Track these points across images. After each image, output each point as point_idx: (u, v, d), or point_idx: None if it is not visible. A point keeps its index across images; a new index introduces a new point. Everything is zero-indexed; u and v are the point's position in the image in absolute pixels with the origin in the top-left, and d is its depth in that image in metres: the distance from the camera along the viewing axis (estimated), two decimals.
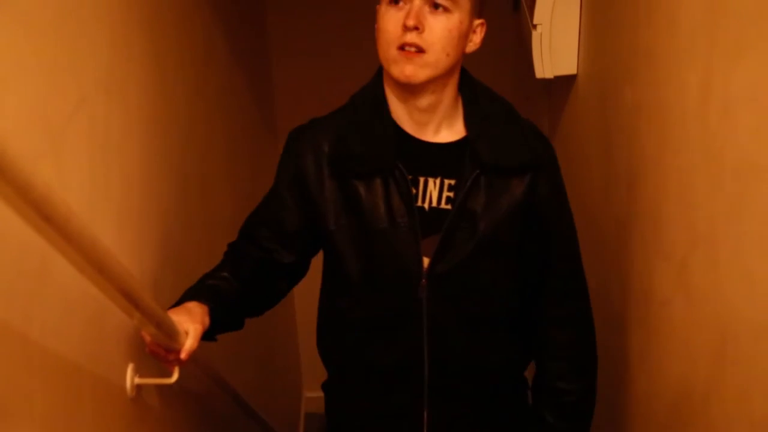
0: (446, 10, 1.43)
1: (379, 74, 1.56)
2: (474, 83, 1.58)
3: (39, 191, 0.80)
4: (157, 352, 1.39)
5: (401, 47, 1.43)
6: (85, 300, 1.21)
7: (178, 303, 1.49)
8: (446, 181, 1.53)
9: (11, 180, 0.76)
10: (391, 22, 1.44)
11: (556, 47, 2.23)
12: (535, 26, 2.21)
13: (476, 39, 1.51)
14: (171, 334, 1.33)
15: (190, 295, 1.52)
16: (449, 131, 1.56)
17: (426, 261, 1.53)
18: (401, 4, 1.43)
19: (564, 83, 2.37)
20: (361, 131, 1.53)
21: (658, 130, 1.52)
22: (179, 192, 1.84)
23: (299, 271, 1.69)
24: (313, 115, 1.65)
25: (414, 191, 1.52)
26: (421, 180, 1.53)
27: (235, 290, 1.58)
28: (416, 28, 1.42)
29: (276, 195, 1.63)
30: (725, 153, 1.19)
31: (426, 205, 1.53)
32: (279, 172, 1.63)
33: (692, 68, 1.33)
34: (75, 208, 0.91)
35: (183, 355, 1.38)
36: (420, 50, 1.43)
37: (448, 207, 1.53)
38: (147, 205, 1.58)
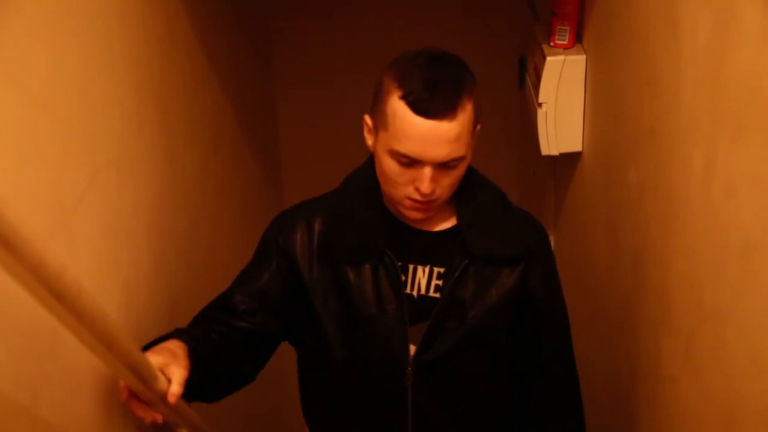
0: (460, 161, 1.42)
1: (371, 159, 1.53)
2: (470, 170, 1.54)
3: (51, 270, 0.81)
4: (135, 403, 1.28)
5: (410, 198, 1.44)
6: (93, 377, 1.21)
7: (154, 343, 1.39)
8: (435, 269, 1.53)
9: (24, 259, 0.77)
10: (399, 175, 1.42)
11: (561, 125, 2.26)
12: (540, 104, 2.24)
13: (475, 143, 1.48)
14: (152, 381, 1.24)
15: (170, 334, 1.44)
16: (441, 219, 1.56)
17: (413, 349, 1.52)
18: (408, 166, 1.41)
19: (569, 160, 2.40)
20: (352, 220, 1.52)
21: (663, 209, 1.53)
22: (187, 264, 1.86)
23: (273, 343, 1.62)
24: (320, 184, 1.66)
25: (403, 278, 1.52)
26: (411, 267, 1.53)
27: (216, 348, 1.50)
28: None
29: (257, 262, 1.59)
30: (730, 232, 1.20)
31: (415, 293, 1.53)
32: (261, 245, 1.60)
33: (695, 147, 1.35)
34: (84, 282, 0.92)
35: (171, 400, 1.28)
36: (431, 200, 1.45)
37: (437, 295, 1.52)
38: (155, 279, 1.59)
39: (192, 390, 1.37)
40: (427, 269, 1.53)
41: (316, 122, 3.33)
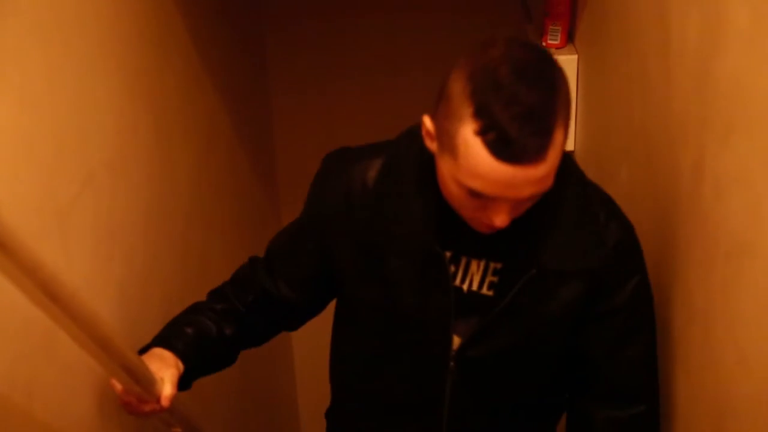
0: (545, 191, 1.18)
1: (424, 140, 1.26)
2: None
3: (47, 271, 0.82)
4: (129, 402, 1.30)
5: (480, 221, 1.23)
6: (88, 377, 1.22)
7: (148, 347, 1.40)
8: (492, 265, 1.34)
9: (20, 260, 0.78)
10: (466, 201, 1.19)
11: None
12: None
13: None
14: (146, 382, 1.26)
15: (159, 340, 1.42)
16: None
17: (456, 341, 1.37)
18: (480, 198, 1.17)
19: None
20: (400, 203, 1.32)
21: (654, 209, 1.54)
22: (181, 265, 1.86)
23: (309, 313, 1.56)
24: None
25: (453, 269, 1.34)
26: (464, 259, 1.35)
27: (230, 319, 1.48)
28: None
29: (298, 232, 1.47)
30: (719, 232, 1.21)
31: (465, 287, 1.35)
32: (307, 203, 1.45)
33: (685, 148, 1.36)
34: (78, 282, 0.93)
35: (164, 402, 1.29)
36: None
37: (490, 293, 1.35)
38: (149, 279, 1.60)
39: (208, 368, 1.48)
40: (482, 264, 1.35)
41: (312, 125, 3.33)
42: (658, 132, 1.51)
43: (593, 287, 1.33)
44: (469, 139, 1.11)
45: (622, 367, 1.41)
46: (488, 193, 1.14)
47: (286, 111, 3.37)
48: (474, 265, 1.35)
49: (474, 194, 1.16)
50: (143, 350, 1.39)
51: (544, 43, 2.22)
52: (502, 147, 1.09)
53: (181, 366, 1.37)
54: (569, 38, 2.23)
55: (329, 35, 3.24)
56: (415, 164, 1.31)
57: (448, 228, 1.31)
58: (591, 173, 2.12)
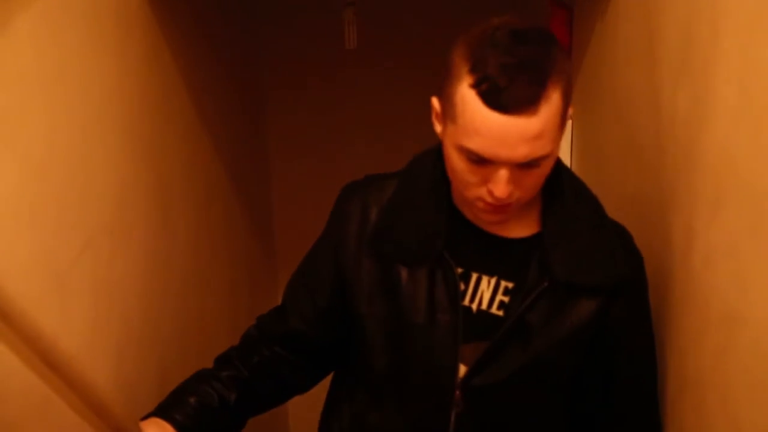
0: (544, 159, 1.19)
1: (439, 153, 1.31)
2: (560, 168, 1.33)
3: (45, 340, 0.83)
4: None
5: (483, 200, 1.24)
6: None
7: (149, 415, 1.39)
8: (503, 283, 1.32)
9: (19, 330, 0.80)
10: (469, 174, 1.21)
11: None
12: None
13: (565, 127, 1.24)
14: None
15: (160, 409, 1.40)
16: (519, 224, 1.34)
17: (462, 370, 1.32)
18: (480, 165, 1.19)
19: None
20: (411, 213, 1.33)
21: (649, 274, 1.56)
22: (178, 326, 1.87)
23: (327, 359, 1.51)
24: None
25: (463, 287, 1.32)
26: (474, 276, 1.32)
27: (234, 386, 1.45)
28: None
29: (312, 262, 1.47)
30: (709, 301, 1.23)
31: (474, 306, 1.32)
32: (326, 232, 1.46)
33: (676, 217, 1.38)
34: (76, 344, 0.94)
35: None
36: (509, 203, 1.24)
37: (500, 313, 1.32)
38: (146, 341, 1.61)
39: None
40: (493, 281, 1.33)
41: (311, 186, 3.35)
42: (651, 199, 1.54)
43: (605, 307, 1.32)
44: (466, 94, 1.15)
45: (627, 391, 1.40)
46: (485, 152, 1.16)
47: (284, 172, 3.39)
48: (485, 282, 1.33)
49: (474, 160, 1.18)
50: (145, 418, 1.39)
51: None
52: (493, 96, 1.12)
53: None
54: None
55: (328, 96, 3.28)
56: (427, 180, 1.34)
57: (460, 242, 1.32)
58: None
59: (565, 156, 2.27)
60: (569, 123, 2.20)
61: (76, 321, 1.26)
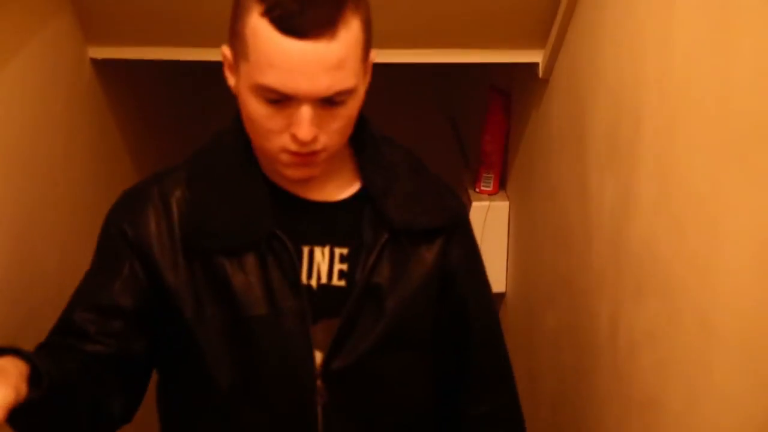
0: (348, 95, 1.08)
1: (239, 117, 1.16)
2: (365, 119, 1.22)
3: None
4: None
5: (287, 150, 1.11)
6: None
7: None
8: (338, 251, 1.20)
9: None
10: (268, 119, 1.08)
11: (485, 266, 2.34)
12: None
13: (369, 75, 1.15)
14: None
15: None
16: (337, 186, 1.22)
17: (319, 356, 1.17)
18: (280, 106, 1.07)
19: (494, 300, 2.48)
20: (224, 193, 1.18)
21: (576, 356, 1.61)
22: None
23: (141, 375, 1.22)
24: None
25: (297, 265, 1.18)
26: (306, 250, 1.19)
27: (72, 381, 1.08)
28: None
29: (100, 266, 1.20)
30: (632, 387, 1.27)
31: (314, 283, 1.18)
32: (103, 243, 1.21)
33: (603, 302, 1.43)
34: None
35: None
36: (315, 152, 1.11)
37: (342, 283, 1.19)
38: None
39: (30, 426, 1.02)
40: (327, 251, 1.20)
41: None
42: (580, 284, 1.59)
43: (444, 248, 1.25)
44: (257, 24, 1.03)
45: (477, 330, 1.32)
46: (283, 86, 1.04)
47: None
48: (318, 254, 1.20)
49: (272, 100, 1.05)
50: None
51: (477, 190, 2.33)
52: (286, 20, 1.02)
53: (23, 390, 0.93)
54: (501, 185, 2.34)
55: None
56: (233, 156, 1.20)
57: (282, 216, 1.18)
58: (521, 316, 2.20)
59: (502, 236, 2.33)
60: (506, 204, 2.28)
61: None
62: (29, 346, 1.06)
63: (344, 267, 1.19)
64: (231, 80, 1.12)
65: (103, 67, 1.76)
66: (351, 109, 1.10)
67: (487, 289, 1.36)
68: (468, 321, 1.30)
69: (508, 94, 2.25)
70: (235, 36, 1.07)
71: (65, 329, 1.15)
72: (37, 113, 1.43)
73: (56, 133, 1.50)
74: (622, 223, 1.33)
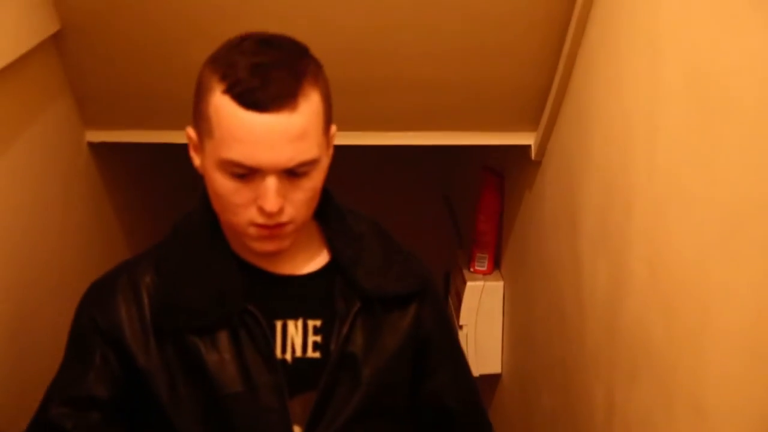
0: (311, 166, 1.09)
1: (205, 197, 1.17)
2: (329, 194, 1.25)
3: None
4: None
5: (255, 223, 1.12)
6: None
7: None
8: (311, 323, 1.20)
9: None
10: (235, 194, 1.09)
11: (480, 347, 2.34)
12: (461, 326, 2.33)
13: (331, 149, 1.17)
14: None
15: None
16: (306, 259, 1.24)
17: (298, 431, 1.17)
18: (246, 180, 1.08)
19: (489, 381, 2.46)
20: (194, 272, 1.19)
21: None
22: None
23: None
24: None
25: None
26: (279, 324, 1.19)
27: None
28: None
29: (73, 358, 1.20)
30: None
31: (288, 356, 1.19)
32: (75, 333, 1.21)
33: (598, 383, 1.43)
34: None
35: None
36: (282, 224, 1.12)
37: (317, 355, 1.19)
38: None
39: None
40: (300, 324, 1.20)
41: None
42: (575, 365, 1.59)
43: (417, 313, 1.26)
44: (219, 102, 1.05)
45: (453, 389, 1.33)
46: (247, 159, 1.05)
47: None
48: (291, 327, 1.20)
49: (238, 174, 1.07)
50: None
51: (472, 269, 2.34)
52: (248, 96, 1.04)
53: None
54: (496, 265, 2.35)
55: None
56: (201, 236, 1.21)
57: (253, 291, 1.19)
58: (516, 397, 2.19)
59: (497, 316, 2.33)
60: (500, 284, 2.29)
61: None
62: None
63: (318, 338, 1.20)
64: (196, 160, 1.14)
65: (99, 149, 1.79)
66: (315, 180, 1.11)
67: (462, 355, 1.38)
68: (445, 385, 1.32)
69: (502, 174, 2.27)
70: (199, 116, 1.09)
71: (42, 427, 1.16)
72: (36, 194, 1.45)
73: (53, 213, 1.52)
74: (616, 304, 1.34)
